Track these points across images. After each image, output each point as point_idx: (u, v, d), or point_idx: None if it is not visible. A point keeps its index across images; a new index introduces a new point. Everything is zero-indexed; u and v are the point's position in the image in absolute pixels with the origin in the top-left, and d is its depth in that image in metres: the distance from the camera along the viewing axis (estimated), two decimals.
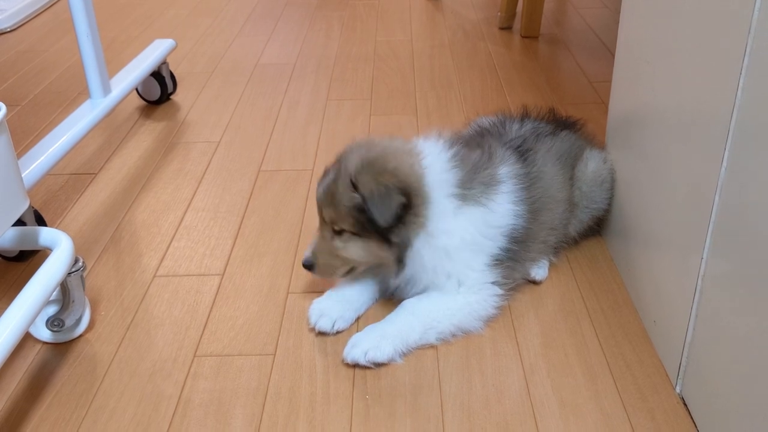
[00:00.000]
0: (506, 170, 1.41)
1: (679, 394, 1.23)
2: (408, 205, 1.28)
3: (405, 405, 1.22)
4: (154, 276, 1.56)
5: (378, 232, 1.29)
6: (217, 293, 1.51)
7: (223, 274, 1.56)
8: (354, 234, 1.32)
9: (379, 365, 1.29)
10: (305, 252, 1.39)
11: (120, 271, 1.58)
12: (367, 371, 1.29)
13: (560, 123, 1.65)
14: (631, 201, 1.48)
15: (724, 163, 1.07)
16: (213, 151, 2.08)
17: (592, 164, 1.57)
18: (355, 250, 1.34)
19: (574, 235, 1.58)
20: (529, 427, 1.18)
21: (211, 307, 1.46)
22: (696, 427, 1.16)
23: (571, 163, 1.55)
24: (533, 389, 1.25)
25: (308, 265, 1.39)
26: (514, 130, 1.55)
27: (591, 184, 1.55)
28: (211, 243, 1.67)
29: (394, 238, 1.30)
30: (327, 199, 1.32)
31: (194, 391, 1.26)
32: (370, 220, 1.27)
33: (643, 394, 1.23)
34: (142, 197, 1.86)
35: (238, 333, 1.39)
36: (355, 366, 1.30)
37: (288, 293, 1.50)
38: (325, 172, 1.37)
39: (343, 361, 1.30)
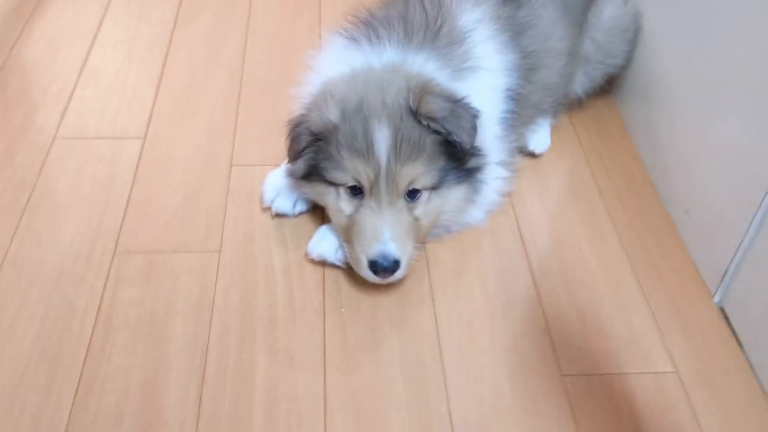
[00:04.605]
0: (473, 17, 1.10)
1: (718, 305, 1.02)
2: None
3: (390, 320, 0.98)
4: (54, 137, 1.21)
5: (456, 168, 1.00)
6: (138, 164, 1.18)
7: (145, 137, 1.22)
8: (433, 188, 0.99)
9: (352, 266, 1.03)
10: (376, 247, 0.94)
11: (8, 131, 1.22)
12: (341, 276, 1.02)
13: None
14: (660, 55, 1.20)
15: None
16: None
17: (609, 8, 1.26)
18: (450, 202, 1.02)
19: (580, 95, 1.30)
20: (544, 340, 0.96)
21: (132, 183, 1.14)
22: (740, 343, 0.97)
23: (580, 7, 1.24)
24: (544, 297, 1.02)
25: (393, 266, 0.95)
26: None
27: (609, 33, 1.25)
28: (127, 93, 1.31)
29: (473, 163, 1.02)
30: (404, 153, 0.95)
31: (117, 304, 0.97)
32: (450, 153, 0.99)
33: (675, 301, 1.02)
34: (32, 27, 1.45)
35: (170, 220, 1.09)
36: (323, 264, 1.03)
37: (231, 165, 1.18)
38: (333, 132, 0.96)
39: (307, 256, 1.03)
